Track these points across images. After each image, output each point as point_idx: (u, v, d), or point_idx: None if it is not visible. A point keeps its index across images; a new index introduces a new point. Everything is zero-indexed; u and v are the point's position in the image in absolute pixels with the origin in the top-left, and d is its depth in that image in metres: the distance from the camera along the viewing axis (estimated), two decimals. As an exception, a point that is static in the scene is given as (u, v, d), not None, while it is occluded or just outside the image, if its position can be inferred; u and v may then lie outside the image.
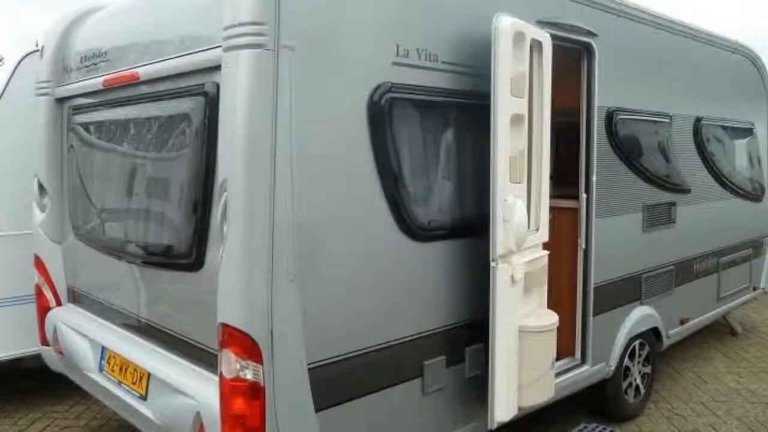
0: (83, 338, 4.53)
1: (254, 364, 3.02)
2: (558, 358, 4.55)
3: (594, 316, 4.96)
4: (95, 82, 4.36)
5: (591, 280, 4.91)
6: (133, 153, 4.05)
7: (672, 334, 6.06)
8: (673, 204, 5.85)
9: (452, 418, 4.00)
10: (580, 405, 5.59)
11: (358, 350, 3.42)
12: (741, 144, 7.31)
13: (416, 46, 3.59)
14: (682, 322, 6.21)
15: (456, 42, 3.80)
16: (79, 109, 4.69)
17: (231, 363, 3.06)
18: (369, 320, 3.47)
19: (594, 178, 4.85)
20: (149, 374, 3.84)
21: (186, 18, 3.65)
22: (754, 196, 7.48)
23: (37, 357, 5.25)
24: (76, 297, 4.93)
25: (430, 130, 3.72)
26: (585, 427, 5.04)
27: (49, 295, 4.99)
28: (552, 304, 4.34)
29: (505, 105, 3.71)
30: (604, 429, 5.03)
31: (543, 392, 4.14)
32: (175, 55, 3.61)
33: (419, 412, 3.79)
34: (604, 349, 5.15)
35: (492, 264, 3.77)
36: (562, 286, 5.02)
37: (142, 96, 3.97)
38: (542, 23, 4.28)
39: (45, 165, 4.90)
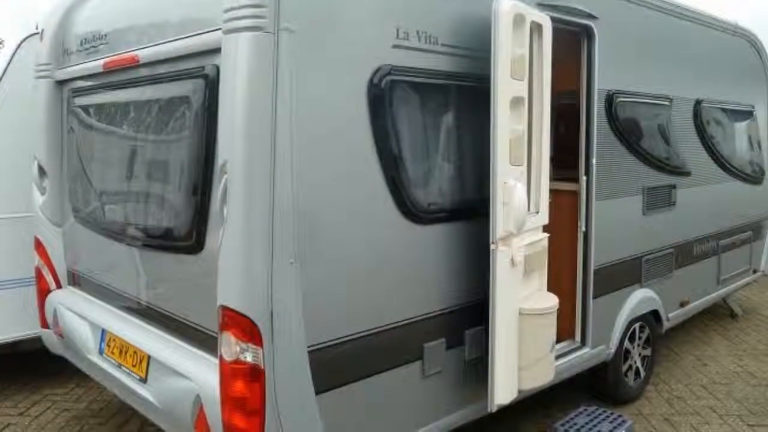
0: (83, 321, 4.54)
1: (254, 346, 3.02)
2: (558, 341, 4.56)
3: (594, 298, 4.97)
4: (95, 64, 4.35)
5: (591, 262, 4.91)
6: (133, 136, 4.04)
7: (672, 316, 6.08)
8: (673, 187, 5.84)
9: (452, 401, 4.01)
10: (580, 388, 5.62)
11: (358, 333, 3.43)
12: (741, 127, 7.29)
13: (416, 28, 3.57)
14: (682, 305, 6.22)
15: (456, 24, 3.78)
16: (79, 92, 4.68)
17: (231, 345, 3.07)
18: (369, 303, 3.48)
19: (594, 160, 4.84)
20: (149, 357, 3.85)
21: (186, 0, 3.64)
22: (754, 178, 7.48)
23: (37, 340, 5.26)
24: (76, 280, 4.94)
25: (430, 113, 3.71)
26: (585, 410, 5.05)
27: (49, 277, 5.00)
28: (552, 287, 4.35)
29: (505, 87, 3.70)
30: (603, 412, 5.04)
31: (543, 375, 4.16)
32: (175, 38, 3.60)
33: (419, 394, 3.80)
34: (604, 332, 5.17)
35: (492, 247, 3.77)
36: (562, 268, 5.03)
37: (141, 79, 3.96)
38: (542, 6, 4.26)
39: (45, 148, 4.90)
